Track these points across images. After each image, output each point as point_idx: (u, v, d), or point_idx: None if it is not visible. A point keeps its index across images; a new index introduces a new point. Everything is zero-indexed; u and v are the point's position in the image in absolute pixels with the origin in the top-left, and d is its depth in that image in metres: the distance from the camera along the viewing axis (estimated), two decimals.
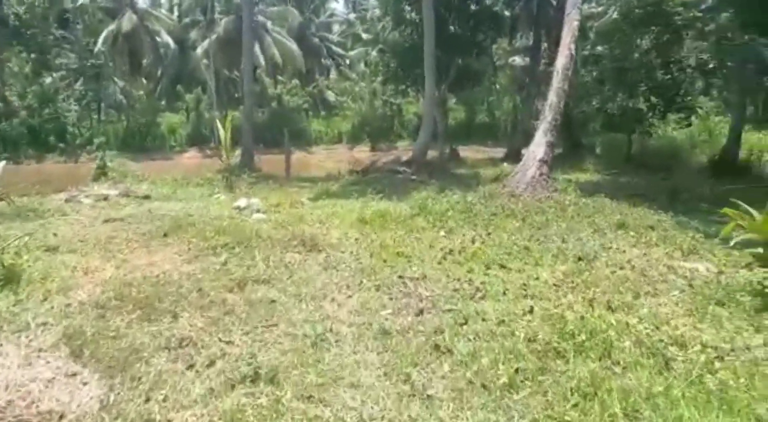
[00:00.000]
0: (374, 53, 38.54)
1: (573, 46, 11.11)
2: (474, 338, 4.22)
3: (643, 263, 6.38)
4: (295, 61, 43.68)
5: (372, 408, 3.33)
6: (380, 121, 43.59)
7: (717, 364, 3.80)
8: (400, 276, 5.86)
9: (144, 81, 47.77)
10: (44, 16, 42.09)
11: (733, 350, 4.06)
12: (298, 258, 6.59)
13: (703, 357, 3.84)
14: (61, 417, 3.25)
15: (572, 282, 5.60)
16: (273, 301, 5.15)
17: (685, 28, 18.28)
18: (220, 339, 4.28)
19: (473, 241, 7.21)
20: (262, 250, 6.79)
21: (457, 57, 21.66)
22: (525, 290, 5.35)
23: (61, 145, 36.74)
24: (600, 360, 3.81)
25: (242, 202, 10.76)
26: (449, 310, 4.86)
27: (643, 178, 15.51)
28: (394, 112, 44.46)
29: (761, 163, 16.28)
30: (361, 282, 5.73)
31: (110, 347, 4.10)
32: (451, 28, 21.21)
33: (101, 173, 16.47)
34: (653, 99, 17.96)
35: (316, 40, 50.24)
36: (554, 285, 5.53)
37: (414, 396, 3.45)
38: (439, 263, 6.36)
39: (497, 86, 47.17)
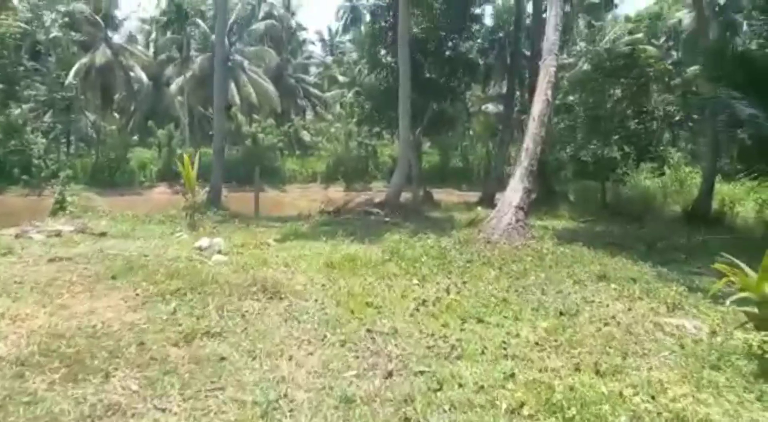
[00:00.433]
0: (350, 95, 38.84)
1: (549, 92, 11.01)
2: (450, 408, 3.69)
3: (628, 319, 5.97)
4: (271, 100, 43.62)
5: None
6: (355, 162, 43.59)
7: None
8: (368, 330, 5.32)
9: (116, 115, 47.09)
10: (16, 47, 41.45)
11: None
12: (257, 307, 6.01)
13: None
14: None
15: (555, 340, 5.13)
16: (223, 358, 4.55)
17: (655, 81, 18.65)
18: (155, 407, 3.67)
19: (448, 291, 6.73)
20: (217, 297, 6.19)
21: (432, 101, 21.68)
22: (505, 349, 4.86)
23: (25, 177, 35.58)
24: None
25: (204, 242, 10.13)
26: (421, 372, 4.33)
27: (618, 226, 15.37)
28: (368, 154, 44.57)
29: (733, 214, 16.34)
30: (325, 336, 5.17)
31: (21, 416, 3.46)
32: (427, 73, 21.31)
33: (60, 208, 15.67)
34: (626, 148, 18.10)
35: (293, 80, 50.45)
36: (536, 343, 5.05)
37: None
38: (412, 315, 5.84)
39: (471, 132, 47.82)
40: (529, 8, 23.68)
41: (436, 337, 5.16)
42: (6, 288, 6.39)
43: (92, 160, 40.47)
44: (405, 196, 18.64)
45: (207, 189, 18.82)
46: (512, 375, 4.26)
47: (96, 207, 21.13)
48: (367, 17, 41.63)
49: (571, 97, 25.43)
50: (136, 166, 41.23)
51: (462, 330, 5.38)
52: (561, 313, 6.04)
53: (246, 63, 43.95)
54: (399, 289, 6.83)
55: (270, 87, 43.65)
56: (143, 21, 49.44)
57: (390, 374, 4.30)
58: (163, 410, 3.62)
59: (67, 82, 38.78)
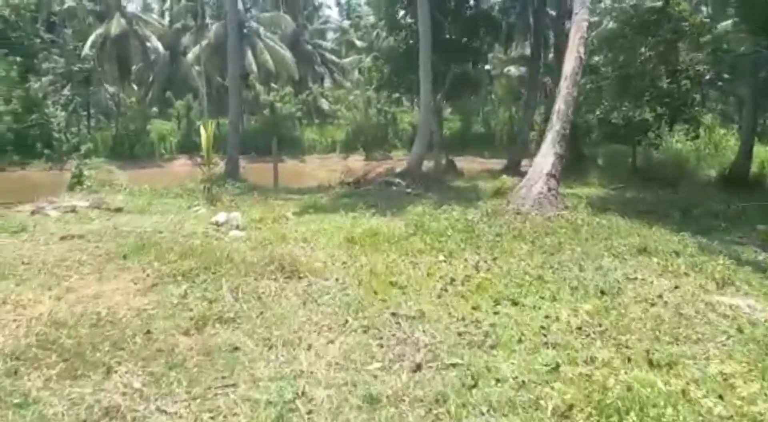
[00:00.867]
0: (368, 60, 37.87)
1: (582, 49, 10.24)
2: (488, 410, 3.27)
3: (676, 298, 5.45)
4: (288, 68, 42.83)
5: None
6: (374, 130, 42.79)
7: None
8: (393, 314, 4.91)
9: (135, 87, 46.80)
10: (32, 19, 41.14)
11: None
12: (274, 288, 5.63)
13: None
14: None
15: (599, 325, 4.65)
16: (236, 348, 4.19)
17: (689, 36, 17.53)
18: (158, 408, 3.31)
19: (477, 268, 6.26)
20: (232, 278, 5.82)
21: (454, 64, 20.79)
22: (544, 336, 4.40)
23: (47, 151, 35.58)
24: None
25: (221, 217, 9.78)
26: (453, 365, 3.90)
27: (651, 193, 14.67)
28: (388, 121, 43.69)
29: None
30: (347, 321, 4.77)
31: (9, 421, 3.12)
32: (447, 34, 20.38)
33: (77, 182, 15.46)
34: (658, 109, 17.17)
35: (310, 47, 49.43)
36: (578, 328, 4.58)
37: None
38: (439, 296, 5.41)
39: (493, 96, 46.54)
40: None
41: (467, 322, 4.73)
42: (13, 270, 6.11)
43: (112, 132, 40.37)
44: (426, 164, 18.05)
45: (225, 161, 18.51)
46: (556, 368, 3.81)
47: (114, 181, 20.98)
48: None
49: (596, 58, 24.31)
50: (156, 138, 41.02)
51: (495, 313, 4.93)
52: (602, 292, 5.54)
53: (261, 29, 43.08)
54: (424, 267, 6.38)
55: (287, 54, 42.80)
56: None
57: (418, 367, 3.88)
58: (168, 413, 3.26)
59: (83, 53, 38.45)
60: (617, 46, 17.14)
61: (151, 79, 45.64)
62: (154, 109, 44.95)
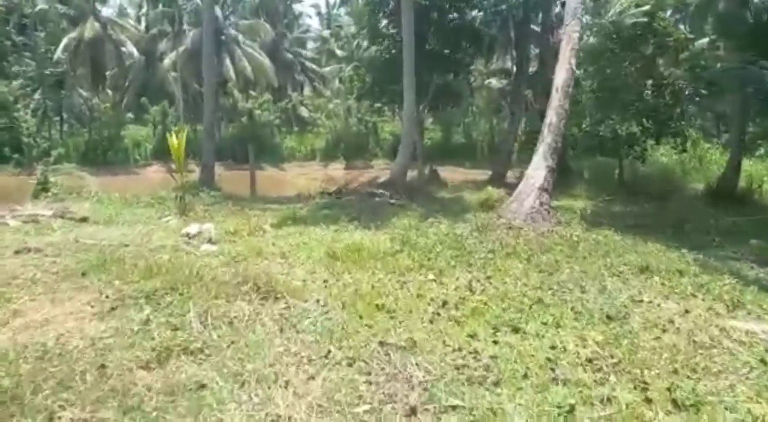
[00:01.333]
0: (349, 69, 37.51)
1: (573, 61, 9.92)
2: None
3: (687, 324, 5.04)
4: (267, 75, 42.25)
5: None
6: (355, 139, 42.42)
7: None
8: (381, 343, 4.39)
9: (110, 92, 45.70)
10: (3, 21, 39.95)
11: None
12: (248, 312, 5.07)
13: None
14: None
15: (611, 356, 4.20)
16: (202, 386, 3.64)
17: (675, 51, 17.50)
18: None
19: (471, 289, 5.78)
20: (201, 299, 5.24)
21: (436, 75, 20.46)
22: (552, 370, 3.93)
23: (16, 156, 34.40)
24: None
25: (192, 229, 9.18)
26: (453, 407, 3.40)
27: (639, 206, 14.44)
28: (369, 130, 43.38)
29: (762, 192, 15.34)
30: (329, 352, 4.24)
31: None
32: (430, 44, 20.05)
33: (42, 189, 14.68)
34: (645, 123, 17.03)
35: (290, 55, 48.90)
36: (588, 360, 4.12)
37: None
38: (432, 321, 4.91)
39: (473, 108, 46.52)
40: None
41: (465, 353, 4.23)
42: None
43: (85, 138, 39.26)
44: (410, 174, 17.63)
45: (200, 168, 17.84)
46: (571, 411, 3.34)
47: (83, 188, 20.17)
48: None
49: (578, 72, 24.15)
50: (131, 144, 40.07)
51: (495, 342, 4.44)
52: (609, 317, 5.10)
53: (240, 37, 42.45)
54: (413, 287, 5.88)
55: (266, 61, 42.24)
56: None
57: (413, 411, 3.37)
58: None
59: (56, 57, 37.40)
60: (603, 60, 16.94)
61: (126, 84, 44.64)
62: (129, 114, 43.94)
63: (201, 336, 4.44)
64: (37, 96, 40.78)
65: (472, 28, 21.12)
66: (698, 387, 3.77)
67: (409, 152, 16.10)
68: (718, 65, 16.66)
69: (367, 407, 3.44)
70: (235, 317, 4.94)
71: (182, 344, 4.21)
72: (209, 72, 18.93)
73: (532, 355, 4.18)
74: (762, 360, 4.29)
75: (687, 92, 18.06)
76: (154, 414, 3.28)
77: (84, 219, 10.58)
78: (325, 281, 6.18)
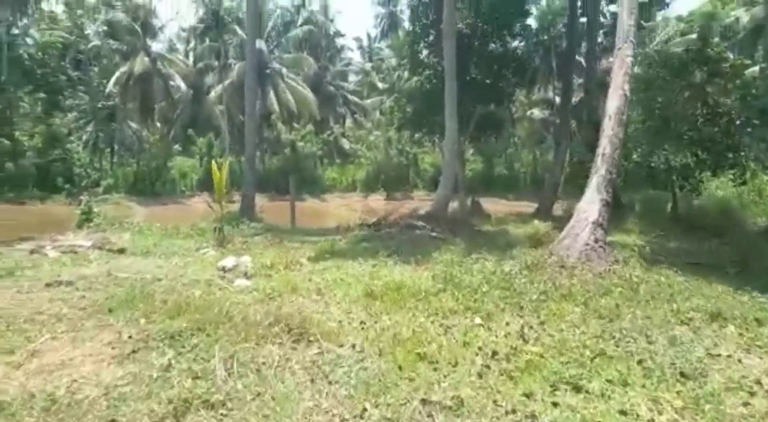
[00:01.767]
0: (390, 101, 37.66)
1: (627, 87, 9.35)
2: None
3: None
4: (310, 108, 42.84)
5: None
6: (395, 170, 42.36)
7: None
8: (423, 401, 3.89)
9: (158, 124, 47.14)
10: (59, 57, 41.92)
11: None
12: (277, 357, 4.65)
13: None
14: None
15: None
16: None
17: (730, 78, 16.63)
18: None
19: (523, 337, 5.21)
20: (228, 342, 4.86)
21: (479, 104, 20.08)
22: None
23: (68, 186, 35.56)
24: None
25: (228, 262, 8.90)
26: None
27: (696, 243, 13.48)
28: (409, 161, 43.29)
29: None
30: (365, 410, 3.77)
31: None
32: (472, 73, 19.73)
33: (86, 219, 14.84)
34: (700, 153, 16.13)
35: (332, 88, 49.61)
36: None
37: None
38: (480, 376, 4.37)
39: (516, 138, 45.93)
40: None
41: (520, 417, 3.69)
42: None
43: (134, 168, 40.41)
44: (451, 205, 17.12)
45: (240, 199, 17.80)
46: None
47: (126, 217, 20.45)
48: (406, 23, 40.52)
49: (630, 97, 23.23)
50: (177, 175, 41.05)
51: (554, 404, 3.87)
52: (683, 375, 4.45)
53: (284, 70, 43.30)
54: (459, 333, 5.36)
55: (309, 94, 42.89)
56: (182, 29, 49.61)
57: None
58: None
59: (107, 90, 38.87)
60: (654, 88, 16.23)
61: (174, 117, 45.96)
62: (177, 146, 45.12)
63: (225, 386, 4.03)
64: (89, 128, 42.38)
65: (515, 57, 20.74)
66: None
67: (450, 183, 15.62)
68: None
69: None
70: (264, 363, 4.53)
71: (203, 395, 3.81)
72: (251, 104, 19.06)
73: None
74: None
75: (738, 122, 17.16)
76: None
77: (122, 251, 10.48)
78: (362, 323, 5.73)
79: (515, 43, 21.47)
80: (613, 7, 23.16)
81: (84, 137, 42.12)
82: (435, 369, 4.49)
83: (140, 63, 37.39)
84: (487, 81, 20.04)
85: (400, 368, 4.49)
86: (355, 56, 62.59)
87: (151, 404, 3.69)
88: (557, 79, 32.96)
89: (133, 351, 4.61)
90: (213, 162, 13.11)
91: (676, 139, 15.79)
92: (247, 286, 7.41)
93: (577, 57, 24.23)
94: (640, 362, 4.73)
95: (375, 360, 4.68)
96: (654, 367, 4.60)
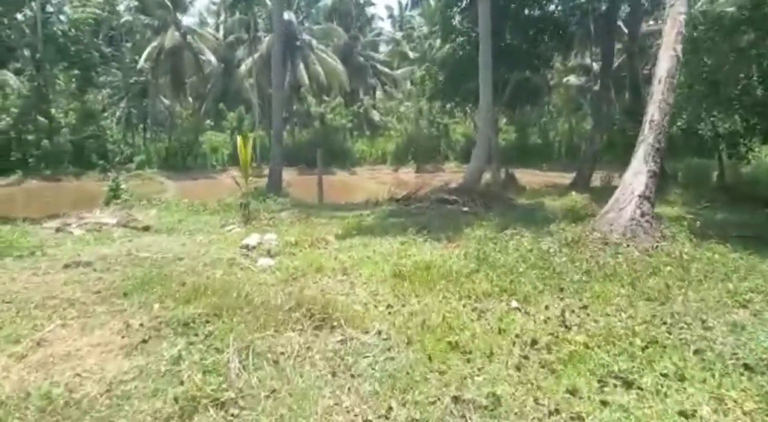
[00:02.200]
0: (421, 70, 36.72)
1: (679, 47, 8.56)
2: None
3: None
4: (340, 79, 42.23)
5: None
6: (426, 142, 41.59)
7: None
8: (455, 398, 3.49)
9: (190, 99, 47.25)
10: (93, 33, 42.09)
11: None
12: (297, 346, 4.31)
13: None
14: None
15: None
16: None
17: None
18: None
19: (565, 323, 4.75)
20: (245, 329, 4.54)
21: (514, 71, 19.24)
22: None
23: (102, 162, 35.99)
24: None
25: (252, 240, 8.61)
26: None
27: (745, 214, 12.72)
28: (440, 133, 42.40)
29: None
30: (390, 409, 3.39)
31: None
32: (508, 39, 18.85)
33: (114, 196, 14.81)
34: (750, 119, 15.10)
35: (362, 58, 48.74)
36: None
37: None
38: (518, 368, 3.94)
39: (550, 106, 44.53)
40: None
41: (566, 418, 3.26)
42: None
43: (165, 144, 40.66)
44: (483, 178, 16.52)
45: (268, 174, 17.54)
46: None
47: (154, 193, 20.49)
48: None
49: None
50: (209, 150, 41.16)
51: (603, 403, 3.43)
52: (747, 367, 3.95)
53: (314, 42, 42.65)
54: (493, 318, 4.93)
55: (339, 66, 42.24)
56: (212, 3, 49.19)
57: None
58: None
59: (139, 66, 38.95)
60: (702, 50, 15.15)
61: (205, 91, 45.94)
62: (208, 121, 45.19)
63: (238, 381, 3.70)
64: (122, 104, 42.73)
65: (553, 21, 19.71)
66: None
67: (484, 155, 14.99)
68: None
69: None
70: (282, 353, 4.19)
71: (213, 393, 3.48)
72: (278, 77, 18.65)
73: None
74: None
75: None
76: None
77: (146, 228, 10.33)
78: (389, 306, 5.35)
79: (552, 6, 20.44)
80: None
81: (117, 113, 42.51)
82: (468, 361, 4.08)
83: (171, 37, 37.26)
84: (523, 46, 19.15)
85: (429, 359, 4.10)
86: (386, 25, 61.50)
87: (155, 403, 3.39)
88: (595, 44, 31.56)
89: (143, 341, 4.32)
90: (239, 136, 12.78)
91: (725, 103, 14.81)
92: (270, 266, 7.10)
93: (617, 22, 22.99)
94: (697, 352, 4.24)
95: (402, 349, 4.30)
96: (713, 358, 4.10)
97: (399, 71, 50.40)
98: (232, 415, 3.32)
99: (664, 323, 4.78)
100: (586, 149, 21.22)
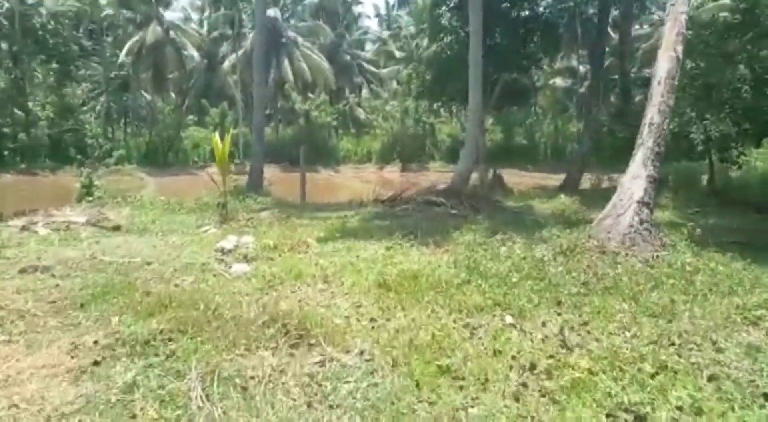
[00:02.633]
0: (408, 69, 36.33)
1: (680, 47, 8.22)
2: None
3: None
4: (325, 77, 41.69)
5: None
6: (411, 141, 41.19)
7: None
8: None
9: (173, 95, 46.34)
10: (73, 27, 41.10)
11: None
12: (269, 369, 3.85)
13: None
14: None
15: None
16: None
17: None
18: None
19: (565, 344, 4.34)
20: (212, 348, 4.07)
21: (503, 71, 18.88)
22: None
23: (80, 157, 35.01)
24: None
25: (227, 243, 8.11)
26: None
27: (738, 219, 12.51)
28: (426, 132, 41.97)
29: None
30: None
31: None
32: (497, 38, 18.48)
33: (86, 193, 14.16)
34: (742, 123, 14.88)
35: (348, 57, 48.24)
36: None
37: None
38: (517, 398, 3.52)
39: (536, 107, 44.43)
40: None
41: None
42: None
43: (146, 139, 39.80)
44: (471, 178, 16.10)
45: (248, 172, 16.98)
46: None
47: (135, 189, 19.84)
48: None
49: (648, 70, 21.70)
50: (190, 146, 40.33)
51: None
52: (766, 397, 3.57)
53: (299, 39, 42.04)
54: (487, 336, 4.50)
55: (324, 63, 41.70)
56: None
57: None
58: None
59: (119, 60, 38.08)
60: (696, 52, 14.91)
61: (187, 86, 45.11)
62: (191, 117, 44.32)
63: (199, 413, 3.24)
64: (102, 99, 41.75)
65: (544, 21, 19.39)
66: None
67: (472, 156, 14.56)
68: None
69: None
70: (252, 378, 3.73)
71: None
72: (259, 73, 18.08)
73: None
74: None
75: None
76: None
77: (117, 228, 9.76)
78: (373, 320, 4.91)
79: (541, 9, 20.11)
80: None
81: (97, 108, 41.54)
82: (461, 388, 3.65)
83: (153, 32, 36.48)
84: (513, 46, 18.78)
85: (417, 386, 3.66)
86: (372, 24, 60.97)
87: None
88: (582, 46, 31.40)
89: (95, 363, 3.83)
90: (215, 132, 12.24)
91: (717, 107, 14.57)
92: (246, 272, 6.62)
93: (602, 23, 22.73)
94: (711, 379, 3.85)
95: (387, 372, 3.87)
96: (731, 387, 3.71)
97: (385, 70, 49.98)
98: None
99: (672, 344, 4.39)
100: (574, 151, 20.97)
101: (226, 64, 41.51)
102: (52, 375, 3.66)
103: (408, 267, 6.44)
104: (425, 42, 30.67)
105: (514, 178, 26.29)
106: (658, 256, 6.58)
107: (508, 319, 4.87)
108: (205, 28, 47.21)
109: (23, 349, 4.09)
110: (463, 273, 6.16)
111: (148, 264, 6.85)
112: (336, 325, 4.70)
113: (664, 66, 8.08)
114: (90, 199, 13.51)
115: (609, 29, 23.54)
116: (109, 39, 43.31)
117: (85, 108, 39.91)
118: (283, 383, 3.70)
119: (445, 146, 41.39)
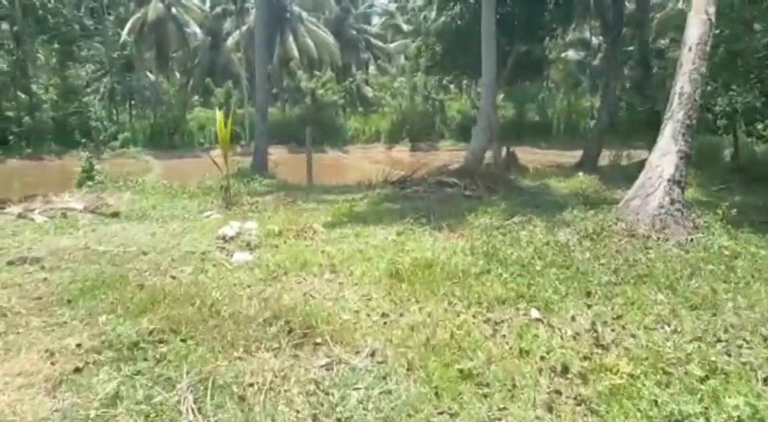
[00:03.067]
0: (416, 43, 35.41)
1: (712, 9, 7.60)
2: None
3: None
4: (331, 53, 40.84)
5: None
6: (421, 119, 40.30)
7: None
8: None
9: (177, 74, 45.69)
10: (75, 5, 40.44)
11: None
12: (271, 373, 3.45)
13: None
14: None
15: None
16: None
17: None
18: None
19: (598, 341, 3.90)
20: (208, 350, 3.67)
21: (517, 43, 18.13)
22: None
23: (85, 140, 34.66)
24: None
25: (229, 230, 7.68)
26: None
27: (762, 196, 11.96)
28: (435, 109, 41.04)
29: None
30: None
31: None
32: (507, 6, 17.68)
33: (87, 178, 13.80)
34: None
35: (354, 32, 47.23)
36: None
37: None
38: (549, 408, 3.10)
39: (548, 82, 43.42)
40: None
41: None
42: None
43: (151, 121, 39.32)
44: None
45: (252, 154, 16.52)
46: None
47: (140, 173, 19.47)
48: None
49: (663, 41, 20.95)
50: (196, 127, 39.79)
51: None
52: None
53: (304, 14, 41.14)
54: (511, 334, 4.07)
55: (330, 39, 40.85)
56: None
57: None
58: None
59: (121, 39, 37.44)
60: (720, 17, 14.10)
61: (192, 65, 44.42)
62: (196, 97, 43.69)
63: None
64: (105, 80, 41.21)
65: None
66: None
67: (486, 133, 13.90)
68: None
69: None
70: (251, 385, 3.33)
71: None
72: (262, 51, 17.49)
73: None
74: None
75: None
76: None
77: (115, 214, 9.38)
78: (384, 315, 4.49)
79: None
80: None
81: (101, 89, 41.04)
82: (485, 396, 3.23)
83: (154, 9, 35.74)
84: (526, 15, 17.96)
85: (436, 393, 3.25)
86: None
87: None
88: (595, 17, 30.36)
89: (77, 369, 3.44)
90: (218, 112, 11.76)
91: (743, 76, 13.85)
92: (248, 261, 6.21)
93: None
94: (767, 381, 3.41)
95: (402, 377, 3.46)
96: None
97: (392, 45, 48.97)
98: None
99: (719, 341, 3.94)
100: (592, 127, 20.26)
101: (230, 41, 40.77)
102: (27, 385, 3.27)
103: (421, 254, 5.99)
104: (433, 14, 29.78)
105: (527, 155, 25.63)
106: (692, 239, 6.09)
107: (534, 313, 4.43)
108: (208, 3, 46.31)
109: (0, 353, 3.71)
110: (482, 261, 5.70)
111: (145, 253, 6.45)
112: (344, 321, 4.30)
113: (694, 31, 7.47)
114: (91, 183, 13.12)
115: None
116: (111, 17, 42.59)
117: (89, 89, 39.39)
118: (285, 391, 3.31)
119: (455, 123, 40.54)
